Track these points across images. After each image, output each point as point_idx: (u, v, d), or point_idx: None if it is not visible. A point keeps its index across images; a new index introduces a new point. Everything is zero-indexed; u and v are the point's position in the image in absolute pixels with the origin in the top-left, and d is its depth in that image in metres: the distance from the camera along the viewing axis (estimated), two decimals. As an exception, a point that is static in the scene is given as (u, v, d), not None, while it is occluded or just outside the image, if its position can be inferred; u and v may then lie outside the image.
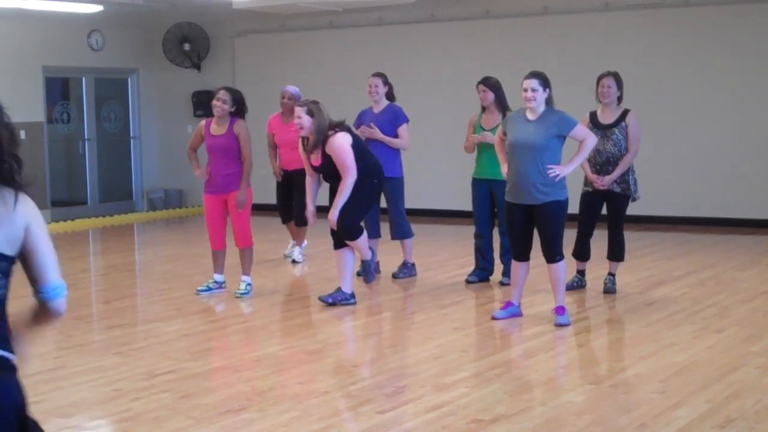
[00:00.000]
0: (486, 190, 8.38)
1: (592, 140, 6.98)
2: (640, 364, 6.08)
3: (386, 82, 8.86)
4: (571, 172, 6.88)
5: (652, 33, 12.38)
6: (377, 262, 9.31)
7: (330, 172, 7.41)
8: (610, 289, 8.14)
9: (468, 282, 8.63)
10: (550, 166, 6.81)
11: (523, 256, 7.16)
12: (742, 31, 11.97)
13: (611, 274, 8.20)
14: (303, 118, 7.29)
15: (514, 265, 7.24)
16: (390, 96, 8.89)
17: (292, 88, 9.40)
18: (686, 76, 12.24)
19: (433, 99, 13.20)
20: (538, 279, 8.44)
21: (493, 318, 7.21)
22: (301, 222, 9.35)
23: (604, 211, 8.12)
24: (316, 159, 7.41)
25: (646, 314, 7.54)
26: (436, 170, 13.28)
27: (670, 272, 8.77)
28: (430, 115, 12.86)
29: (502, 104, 8.40)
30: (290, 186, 9.44)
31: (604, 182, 7.83)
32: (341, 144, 7.32)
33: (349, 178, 7.32)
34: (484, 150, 8.38)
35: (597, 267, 8.48)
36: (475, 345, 6.74)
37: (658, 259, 9.55)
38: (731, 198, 12.14)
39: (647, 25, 12.44)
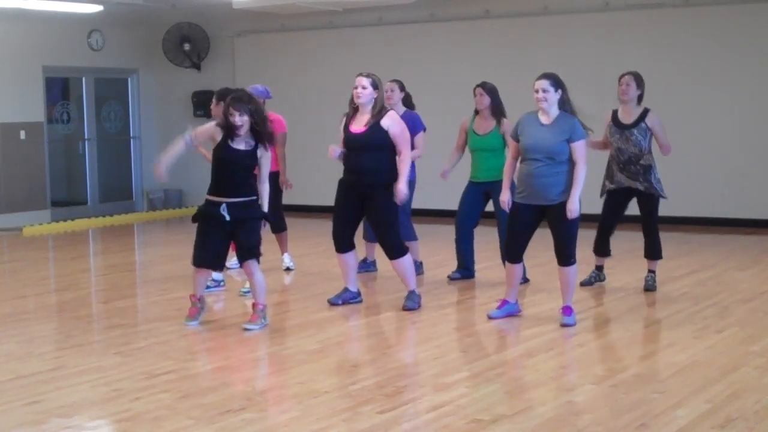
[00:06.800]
0: (479, 191, 8.43)
1: (584, 169, 6.87)
2: (640, 364, 6.09)
3: (402, 89, 8.78)
4: (578, 202, 6.83)
5: (652, 33, 12.39)
6: (374, 261, 9.34)
7: (366, 143, 7.30)
8: (650, 287, 8.18)
9: (450, 279, 8.74)
10: (569, 211, 6.80)
11: (518, 258, 7.15)
12: (742, 31, 11.98)
13: (651, 271, 8.26)
14: (367, 88, 7.34)
15: (509, 267, 7.22)
16: (409, 104, 8.83)
17: (252, 89, 9.20)
18: (686, 75, 12.25)
19: (433, 99, 13.17)
20: (539, 279, 8.46)
21: (490, 317, 7.21)
22: (278, 228, 9.27)
23: (629, 211, 8.24)
24: (359, 127, 7.39)
25: (646, 314, 7.55)
26: (437, 170, 13.27)
27: (670, 272, 8.77)
28: (431, 115, 12.79)
29: (497, 110, 8.41)
30: None
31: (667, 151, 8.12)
32: (401, 120, 7.50)
33: (408, 151, 7.41)
34: (478, 153, 8.42)
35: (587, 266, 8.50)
36: (475, 345, 6.74)
37: (658, 259, 9.54)
38: (731, 198, 12.15)
39: (647, 25, 12.45)
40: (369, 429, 4.80)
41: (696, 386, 5.44)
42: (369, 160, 7.32)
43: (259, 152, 6.91)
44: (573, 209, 6.82)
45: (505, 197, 7.11)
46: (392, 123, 7.36)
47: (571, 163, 6.87)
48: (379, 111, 7.37)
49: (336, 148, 7.44)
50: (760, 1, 11.87)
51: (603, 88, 11.33)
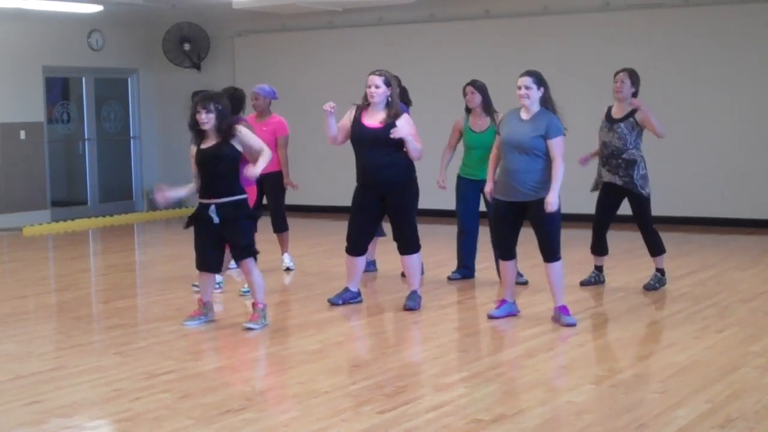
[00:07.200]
0: (477, 188, 8.46)
1: (562, 166, 6.87)
2: (640, 364, 6.09)
3: (398, 85, 8.78)
4: (557, 196, 6.83)
5: (652, 33, 12.39)
6: (373, 261, 9.34)
7: (380, 138, 7.32)
8: (650, 287, 8.17)
9: (450, 279, 8.76)
10: (547, 203, 6.80)
11: (509, 254, 7.18)
12: (742, 32, 11.98)
13: (658, 270, 8.25)
14: (381, 87, 7.38)
15: (502, 264, 7.26)
16: (405, 99, 8.84)
17: (259, 89, 9.19)
18: (686, 75, 12.25)
19: (432, 99, 13.18)
20: (539, 279, 8.44)
21: (490, 317, 7.22)
22: (280, 228, 9.28)
23: (627, 212, 8.22)
24: (374, 122, 7.41)
25: (646, 314, 7.55)
26: (437, 170, 13.28)
27: (670, 272, 8.75)
28: (430, 115, 12.85)
29: (488, 107, 8.51)
30: (260, 192, 9.00)
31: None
32: (412, 122, 7.57)
33: (421, 146, 7.44)
34: (476, 150, 8.45)
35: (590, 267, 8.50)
36: (475, 345, 6.74)
37: (658, 259, 9.55)
38: (731, 198, 12.15)
39: (647, 25, 12.45)
40: (369, 429, 4.80)
41: (696, 386, 5.44)
42: (383, 157, 7.37)
43: (234, 142, 6.85)
44: (551, 202, 6.81)
45: (488, 188, 7.23)
46: (406, 124, 7.42)
47: (548, 159, 6.90)
48: (396, 113, 7.41)
49: (332, 110, 7.41)
50: (760, 1, 11.87)
51: (603, 88, 11.30)
